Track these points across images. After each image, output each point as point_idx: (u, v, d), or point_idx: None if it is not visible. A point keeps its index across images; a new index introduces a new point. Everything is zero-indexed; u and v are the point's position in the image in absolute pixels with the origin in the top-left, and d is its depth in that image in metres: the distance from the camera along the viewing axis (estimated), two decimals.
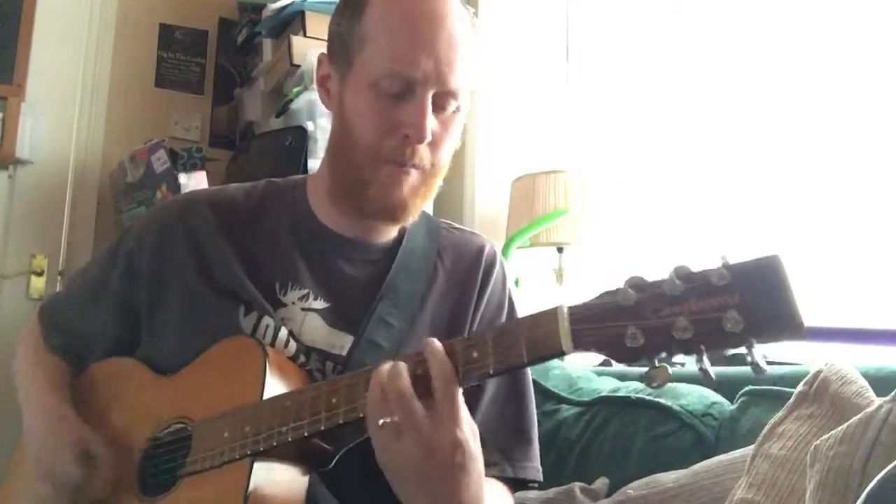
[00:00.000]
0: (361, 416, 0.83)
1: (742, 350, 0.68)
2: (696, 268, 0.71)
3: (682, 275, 0.70)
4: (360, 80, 0.98)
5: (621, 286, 0.72)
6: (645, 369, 0.72)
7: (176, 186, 2.26)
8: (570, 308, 0.75)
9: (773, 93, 1.93)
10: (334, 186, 1.05)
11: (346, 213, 1.05)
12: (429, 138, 0.96)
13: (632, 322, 0.70)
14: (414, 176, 0.99)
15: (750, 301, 0.67)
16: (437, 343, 0.79)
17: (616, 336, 0.71)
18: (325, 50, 1.06)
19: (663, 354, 0.70)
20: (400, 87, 0.95)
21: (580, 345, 0.73)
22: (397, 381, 0.77)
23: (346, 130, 1.00)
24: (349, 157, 1.00)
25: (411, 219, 1.03)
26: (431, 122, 0.96)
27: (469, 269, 1.11)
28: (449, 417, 0.77)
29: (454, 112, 1.00)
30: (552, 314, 0.75)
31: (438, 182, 1.03)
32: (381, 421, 0.77)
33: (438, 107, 0.97)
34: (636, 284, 0.72)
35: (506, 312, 1.13)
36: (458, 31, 0.97)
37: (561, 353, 0.75)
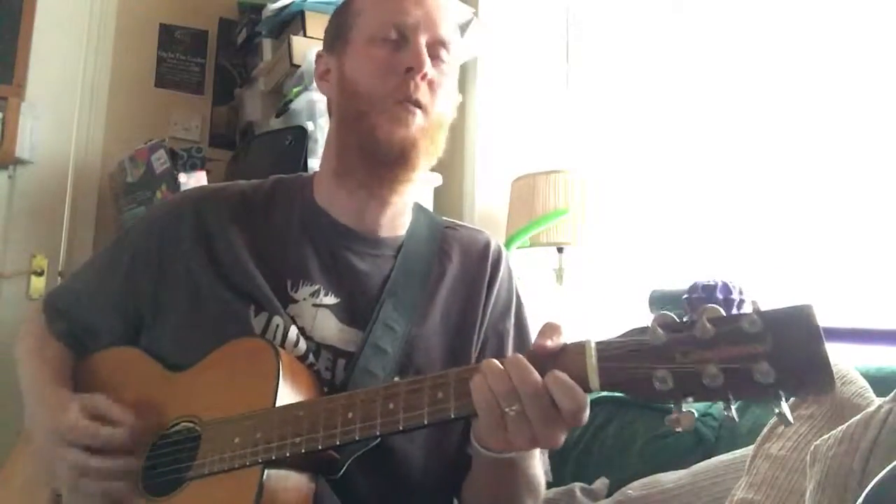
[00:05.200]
0: (378, 434, 0.82)
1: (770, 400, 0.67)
2: (727, 311, 0.70)
3: (713, 318, 0.69)
4: (358, 45, 1.04)
5: (650, 325, 0.71)
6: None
7: (176, 186, 2.26)
8: (597, 344, 0.74)
9: (773, 93, 1.93)
10: (342, 155, 1.06)
11: (355, 188, 1.05)
12: (428, 71, 1.01)
13: (661, 365, 0.69)
14: (420, 116, 1.02)
15: (781, 353, 0.66)
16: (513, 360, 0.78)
17: (644, 378, 0.70)
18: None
19: (690, 399, 0.70)
20: (395, 34, 1.02)
21: (607, 383, 0.73)
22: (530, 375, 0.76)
23: (348, 91, 1.04)
24: (354, 110, 1.03)
25: (421, 164, 1.04)
26: (429, 64, 1.02)
27: (477, 265, 1.11)
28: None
29: (447, 65, 1.06)
30: (580, 349, 0.75)
31: (440, 138, 1.06)
32: (509, 408, 0.75)
33: (432, 55, 1.03)
34: (666, 324, 0.71)
35: (514, 306, 1.13)
36: None
37: (587, 390, 0.74)
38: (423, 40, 1.02)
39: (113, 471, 0.93)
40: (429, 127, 1.03)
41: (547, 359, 0.76)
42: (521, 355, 0.76)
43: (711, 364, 0.67)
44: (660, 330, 0.70)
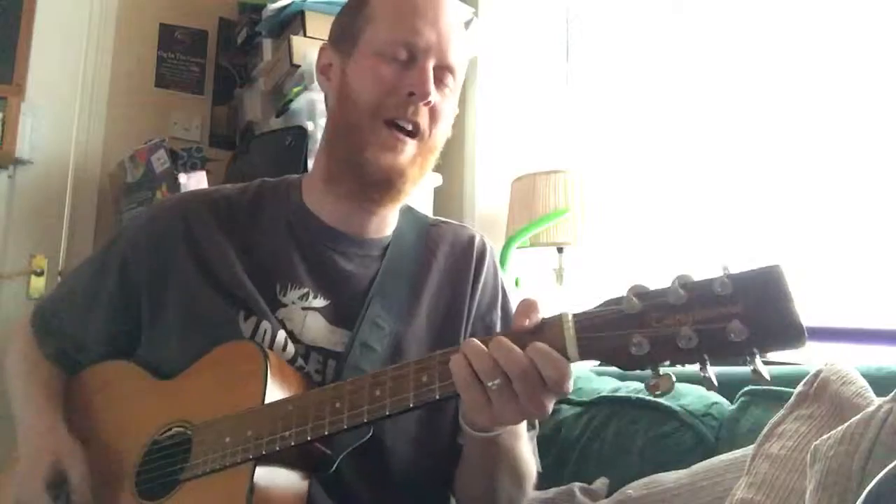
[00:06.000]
0: (365, 420, 0.82)
1: (744, 358, 0.69)
2: (698, 276, 0.71)
3: (685, 283, 0.71)
4: (365, 53, 1.02)
5: (625, 294, 0.73)
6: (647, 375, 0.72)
7: (176, 186, 2.26)
8: (574, 315, 0.76)
9: (773, 92, 1.93)
10: (331, 163, 1.06)
11: (343, 195, 1.05)
12: (432, 97, 0.99)
13: (637, 330, 0.71)
14: (411, 145, 1.01)
15: (752, 311, 0.67)
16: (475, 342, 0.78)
17: (621, 344, 0.72)
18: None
19: (667, 363, 0.71)
20: (404, 54, 1.00)
21: (585, 352, 0.74)
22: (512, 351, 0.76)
23: (346, 98, 1.03)
24: (349, 120, 1.02)
25: (408, 189, 1.04)
26: (433, 90, 1.00)
27: (462, 261, 1.12)
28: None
29: (451, 91, 1.04)
30: (557, 321, 0.76)
31: (432, 161, 1.06)
32: (491, 383, 0.76)
33: (438, 80, 1.01)
34: (640, 293, 0.72)
35: (500, 300, 1.14)
36: (457, 19, 1.05)
37: (566, 360, 0.75)
38: (430, 65, 1.00)
39: None
40: (421, 153, 1.02)
41: (526, 335, 0.77)
42: (501, 336, 0.77)
43: (685, 326, 0.69)
44: (634, 298, 0.72)
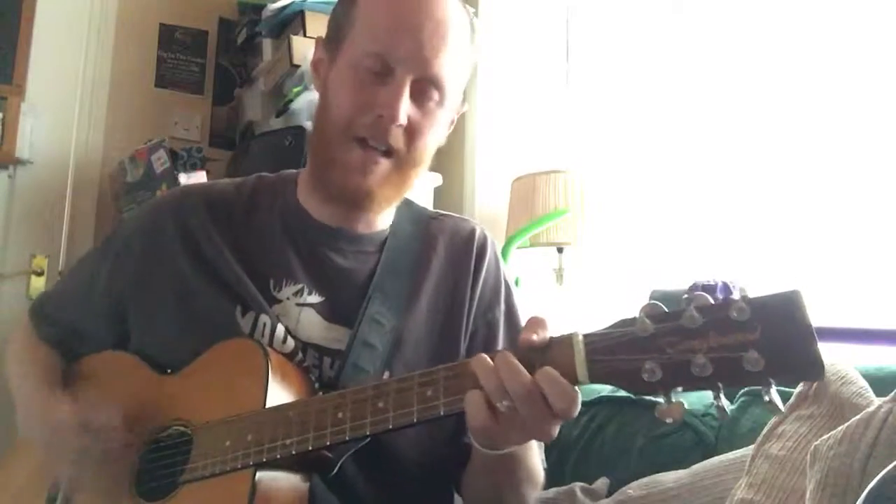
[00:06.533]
0: (368, 434, 0.82)
1: (759, 388, 0.67)
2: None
3: (701, 306, 0.68)
4: (345, 60, 0.98)
5: (637, 315, 0.70)
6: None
7: (176, 187, 2.26)
8: (585, 336, 0.73)
9: (773, 92, 1.93)
10: (313, 169, 1.05)
11: (325, 199, 1.04)
12: (402, 121, 0.94)
13: (649, 356, 0.69)
14: (384, 165, 0.97)
15: (770, 340, 0.65)
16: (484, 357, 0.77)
17: (632, 369, 0.69)
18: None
19: (679, 389, 0.69)
20: (380, 66, 0.95)
21: (595, 376, 0.72)
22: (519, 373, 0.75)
23: (324, 108, 1.01)
24: (324, 133, 1.00)
25: (382, 207, 1.02)
26: (407, 106, 0.95)
27: (462, 254, 1.10)
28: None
29: (436, 104, 0.99)
30: (567, 342, 0.74)
31: (417, 174, 1.02)
32: (499, 404, 0.75)
33: (419, 94, 0.96)
34: (653, 314, 0.70)
35: (503, 294, 1.12)
36: (450, 22, 0.97)
37: (575, 383, 0.73)
38: (408, 79, 0.94)
39: (111, 452, 0.93)
40: (398, 170, 0.99)
41: (535, 353, 0.75)
42: (509, 353, 0.75)
43: (700, 353, 0.66)
44: (647, 320, 0.69)
